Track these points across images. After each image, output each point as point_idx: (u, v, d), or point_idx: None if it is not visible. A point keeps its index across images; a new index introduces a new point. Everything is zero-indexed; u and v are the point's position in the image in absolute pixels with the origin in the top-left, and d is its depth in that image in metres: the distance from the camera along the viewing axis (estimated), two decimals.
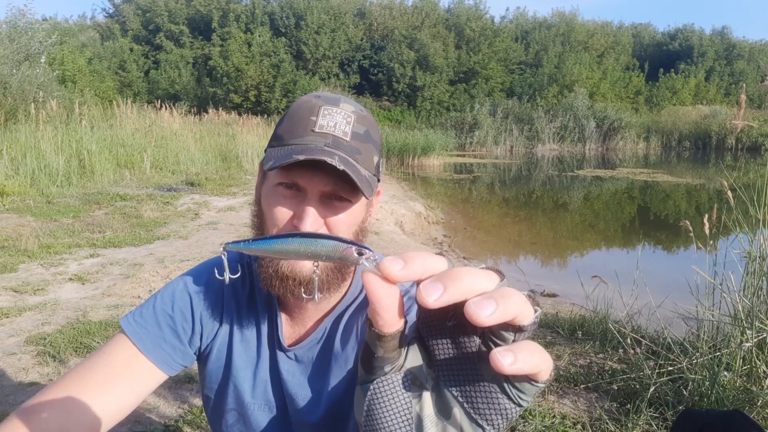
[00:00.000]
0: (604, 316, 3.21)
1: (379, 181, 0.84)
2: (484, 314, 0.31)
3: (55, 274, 4.10)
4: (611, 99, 29.60)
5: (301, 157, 0.70)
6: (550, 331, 3.22)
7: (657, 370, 2.31)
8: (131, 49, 29.34)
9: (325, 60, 29.17)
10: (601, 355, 2.83)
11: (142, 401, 0.82)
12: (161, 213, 6.54)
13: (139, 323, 0.82)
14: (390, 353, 0.39)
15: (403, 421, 0.39)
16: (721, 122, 25.78)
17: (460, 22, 31.70)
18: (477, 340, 0.37)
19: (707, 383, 2.17)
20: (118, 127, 10.69)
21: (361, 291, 0.87)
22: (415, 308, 0.71)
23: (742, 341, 2.25)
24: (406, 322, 0.38)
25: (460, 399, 0.38)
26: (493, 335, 0.35)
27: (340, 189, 0.75)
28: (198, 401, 2.36)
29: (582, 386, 2.50)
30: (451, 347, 0.38)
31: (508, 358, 0.32)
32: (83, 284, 3.90)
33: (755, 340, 2.21)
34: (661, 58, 35.58)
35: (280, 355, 0.85)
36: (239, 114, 19.22)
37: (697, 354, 2.34)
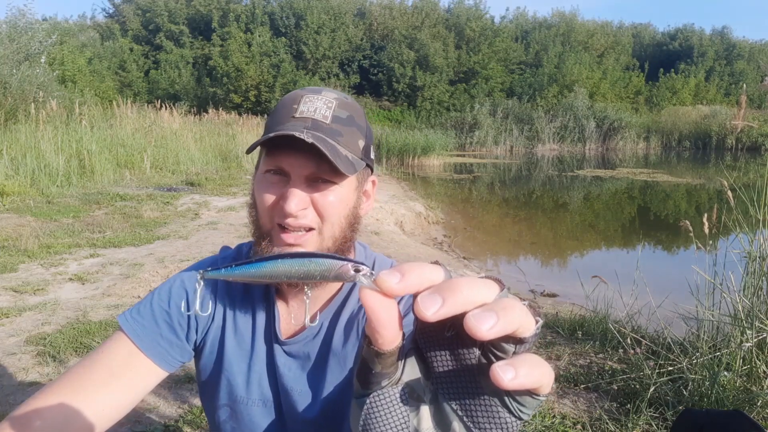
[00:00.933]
0: (604, 316, 3.21)
1: (371, 168, 0.85)
2: (484, 328, 0.30)
3: (55, 274, 4.10)
4: (611, 99, 29.60)
5: (271, 135, 0.73)
6: (550, 331, 3.22)
7: (657, 370, 2.31)
8: (131, 49, 29.35)
9: (325, 60, 29.17)
10: (601, 355, 2.83)
11: (141, 400, 0.82)
12: (161, 213, 6.54)
13: (137, 320, 0.82)
14: (387, 368, 0.38)
15: None
16: (721, 122, 25.77)
17: (460, 22, 31.70)
18: (476, 351, 0.36)
19: (707, 383, 2.17)
20: (118, 127, 10.70)
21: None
22: (411, 311, 0.71)
23: (742, 341, 2.25)
24: (404, 335, 0.38)
25: (460, 413, 0.37)
26: (493, 347, 0.34)
27: (323, 170, 0.76)
28: (198, 401, 2.36)
29: (582, 386, 2.50)
30: (450, 359, 0.37)
31: (509, 373, 0.31)
32: (83, 284, 3.90)
33: (755, 340, 2.21)
34: (661, 58, 35.58)
35: (276, 348, 0.85)
36: (239, 114, 19.23)
37: (697, 354, 2.34)
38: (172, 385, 2.48)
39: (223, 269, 0.42)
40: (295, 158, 0.76)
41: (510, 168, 18.35)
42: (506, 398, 0.36)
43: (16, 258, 4.39)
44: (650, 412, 2.18)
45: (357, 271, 0.36)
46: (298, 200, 0.75)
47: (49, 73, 12.18)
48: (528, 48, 32.77)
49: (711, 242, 2.57)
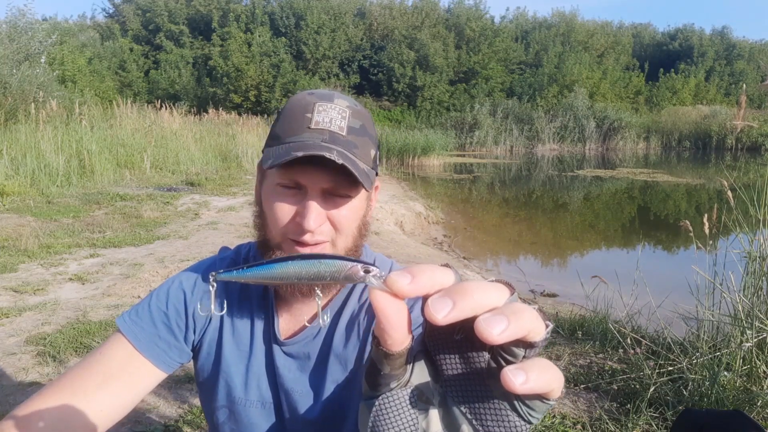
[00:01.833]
0: (604, 316, 3.21)
1: (377, 174, 0.85)
2: (495, 332, 0.30)
3: (55, 274, 4.10)
4: (611, 99, 29.60)
5: (300, 154, 0.70)
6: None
7: (657, 370, 2.31)
8: (131, 49, 29.34)
9: (325, 60, 29.17)
10: (601, 355, 2.83)
11: (140, 400, 0.82)
12: (161, 213, 6.54)
13: (135, 322, 0.82)
14: (396, 370, 0.37)
15: None
16: (721, 122, 25.78)
17: (460, 22, 31.70)
18: (486, 355, 0.36)
19: (707, 383, 2.17)
20: (118, 127, 10.69)
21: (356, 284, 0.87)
22: (417, 309, 0.71)
23: (742, 341, 2.25)
24: (413, 337, 0.38)
25: (469, 416, 0.37)
26: (503, 351, 0.34)
27: (340, 184, 0.75)
28: (198, 401, 2.36)
29: (582, 386, 2.50)
30: (460, 363, 0.37)
31: (519, 378, 0.31)
32: (83, 284, 3.90)
33: (755, 340, 2.21)
34: (661, 58, 35.57)
35: (275, 349, 0.84)
36: (239, 114, 19.21)
37: (697, 354, 2.34)
38: (172, 385, 2.48)
39: (234, 271, 0.42)
40: (313, 173, 0.74)
41: (510, 168, 18.35)
42: (516, 402, 0.36)
43: (16, 258, 4.39)
44: (650, 412, 2.18)
45: (367, 272, 0.37)
46: (316, 217, 0.74)
47: (49, 73, 12.18)
48: (528, 48, 32.77)
49: (711, 242, 2.56)
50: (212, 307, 0.56)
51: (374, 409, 0.39)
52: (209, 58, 27.95)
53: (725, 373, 2.20)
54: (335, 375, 0.82)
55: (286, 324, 0.85)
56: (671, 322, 2.69)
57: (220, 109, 19.85)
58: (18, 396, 2.35)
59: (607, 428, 2.13)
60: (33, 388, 2.42)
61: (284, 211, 0.76)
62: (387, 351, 0.36)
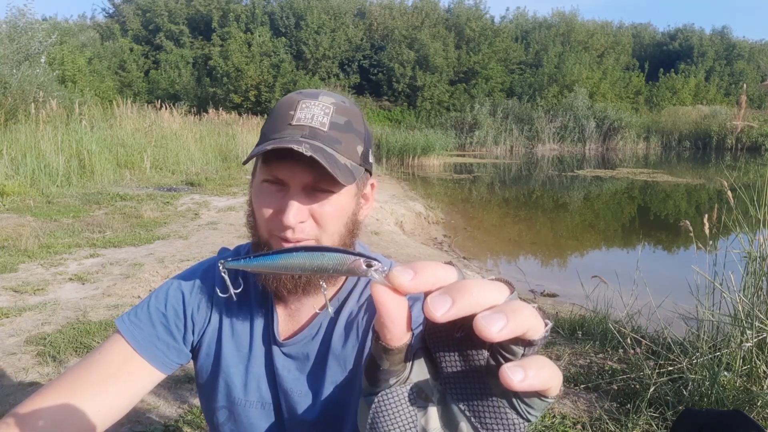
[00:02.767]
0: (604, 316, 3.21)
1: (369, 172, 0.84)
2: (494, 329, 0.30)
3: (55, 274, 4.10)
4: (611, 99, 29.60)
5: (269, 147, 0.71)
6: (550, 331, 3.21)
7: (657, 370, 2.31)
8: (131, 49, 29.35)
9: (325, 60, 29.17)
10: (601, 355, 2.83)
11: (139, 401, 0.82)
12: (161, 213, 6.54)
13: (134, 323, 0.83)
14: (396, 366, 0.38)
15: None
16: (721, 122, 25.77)
17: (460, 22, 31.70)
18: (485, 353, 0.36)
19: (707, 383, 2.17)
20: (118, 127, 10.69)
21: (355, 284, 0.87)
22: (418, 306, 0.71)
23: (742, 341, 2.25)
24: (412, 334, 0.38)
25: (468, 413, 0.37)
26: (502, 349, 0.34)
27: (321, 180, 0.75)
28: (198, 401, 2.36)
29: (582, 386, 2.50)
30: (459, 360, 0.37)
31: (518, 375, 0.32)
32: (83, 284, 3.90)
33: (755, 340, 2.21)
34: (661, 58, 35.58)
35: (275, 349, 0.84)
36: (239, 114, 19.21)
37: (697, 354, 2.34)
38: (172, 385, 2.48)
39: (242, 260, 0.44)
40: (293, 168, 0.74)
41: (510, 168, 18.35)
42: (514, 400, 0.36)
43: (16, 258, 4.39)
44: (650, 412, 2.18)
45: (369, 266, 0.37)
46: (296, 212, 0.74)
47: (49, 73, 12.17)
48: (528, 48, 32.77)
49: (711, 242, 2.57)
50: (231, 293, 0.60)
51: (373, 405, 0.39)
52: (209, 58, 27.96)
53: (725, 373, 2.20)
54: (334, 375, 0.82)
55: (285, 325, 0.85)
56: (671, 322, 2.69)
57: (220, 109, 19.85)
58: (18, 396, 2.35)
59: (607, 428, 2.13)
60: (33, 388, 2.42)
61: (268, 207, 0.77)
62: (386, 346, 0.36)
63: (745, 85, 3.99)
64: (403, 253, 5.32)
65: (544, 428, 2.14)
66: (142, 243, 5.06)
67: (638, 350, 2.52)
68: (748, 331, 2.27)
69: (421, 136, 18.08)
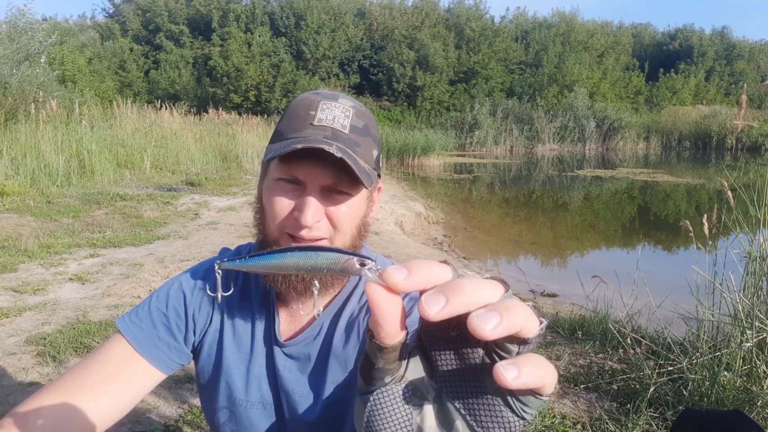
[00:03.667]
0: (604, 316, 3.21)
1: (379, 176, 0.85)
2: (488, 328, 0.31)
3: (55, 274, 4.10)
4: (611, 99, 29.60)
5: (299, 146, 0.71)
6: (550, 331, 3.22)
7: (657, 370, 2.31)
8: (131, 49, 29.34)
9: (325, 60, 29.17)
10: (601, 355, 2.83)
11: (140, 401, 0.82)
12: (161, 213, 6.54)
13: (135, 323, 0.83)
14: (391, 364, 0.38)
15: None
16: (721, 122, 25.79)
17: (460, 22, 31.70)
18: (480, 351, 0.36)
19: (707, 383, 2.17)
20: (118, 127, 10.70)
21: (356, 284, 0.87)
22: (416, 308, 0.71)
23: (742, 341, 2.25)
24: (407, 333, 0.38)
25: (463, 411, 0.38)
26: (497, 347, 0.35)
27: (340, 181, 0.75)
28: (198, 401, 2.36)
29: (582, 386, 2.50)
30: (454, 359, 0.37)
31: (512, 373, 0.32)
32: (83, 284, 3.90)
33: (755, 340, 2.21)
34: (661, 58, 35.57)
35: (276, 350, 0.84)
36: (239, 114, 19.22)
37: (697, 354, 2.34)
38: (172, 386, 2.48)
39: (238, 260, 0.44)
40: (313, 168, 0.74)
41: (510, 168, 18.35)
42: (509, 398, 0.36)
43: (16, 258, 4.39)
44: (650, 412, 2.18)
45: (363, 265, 0.37)
46: (314, 212, 0.74)
47: (49, 73, 12.17)
48: (528, 48, 32.77)
49: (711, 242, 2.57)
50: (218, 295, 0.59)
51: (369, 404, 0.39)
52: (209, 58, 27.94)
53: (725, 373, 2.20)
54: (335, 376, 0.82)
55: (286, 325, 0.85)
56: (671, 322, 2.69)
57: (220, 109, 19.85)
58: (18, 396, 2.35)
59: (607, 428, 2.13)
60: (33, 388, 2.42)
61: (283, 205, 0.76)
62: (380, 344, 0.36)
63: (745, 85, 3.98)
64: (403, 253, 5.32)
65: (544, 428, 2.14)
66: (142, 243, 5.06)
67: (638, 350, 2.52)
68: (748, 331, 2.27)
69: (421, 136, 18.08)
